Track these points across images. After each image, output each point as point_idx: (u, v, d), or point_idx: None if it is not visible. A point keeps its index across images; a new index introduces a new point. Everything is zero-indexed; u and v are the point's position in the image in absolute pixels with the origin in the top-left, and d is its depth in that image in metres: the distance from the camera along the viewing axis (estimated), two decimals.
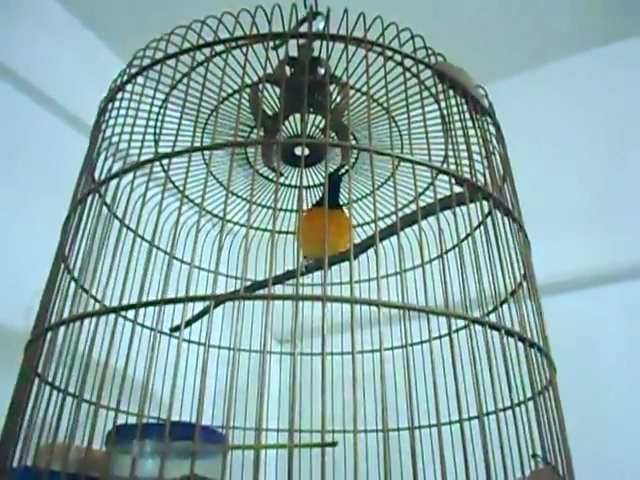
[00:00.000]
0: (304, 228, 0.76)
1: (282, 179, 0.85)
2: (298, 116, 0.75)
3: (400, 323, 0.45)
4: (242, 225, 0.88)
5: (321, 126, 0.76)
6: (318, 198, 0.88)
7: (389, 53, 0.59)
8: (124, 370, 0.44)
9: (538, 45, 1.28)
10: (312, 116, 0.75)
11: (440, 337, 0.58)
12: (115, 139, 0.62)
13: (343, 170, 0.81)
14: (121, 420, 0.45)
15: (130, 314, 0.45)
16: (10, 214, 1.00)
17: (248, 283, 0.77)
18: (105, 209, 0.59)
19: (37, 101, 1.11)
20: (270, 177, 0.83)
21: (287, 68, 0.71)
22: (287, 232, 0.91)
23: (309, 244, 0.76)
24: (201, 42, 0.59)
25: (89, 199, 0.57)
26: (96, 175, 0.60)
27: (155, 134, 0.68)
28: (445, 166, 0.54)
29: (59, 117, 1.14)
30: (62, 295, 0.53)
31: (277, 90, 0.74)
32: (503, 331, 0.47)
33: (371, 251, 0.73)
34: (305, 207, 0.88)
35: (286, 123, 0.76)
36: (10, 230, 0.99)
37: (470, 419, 0.45)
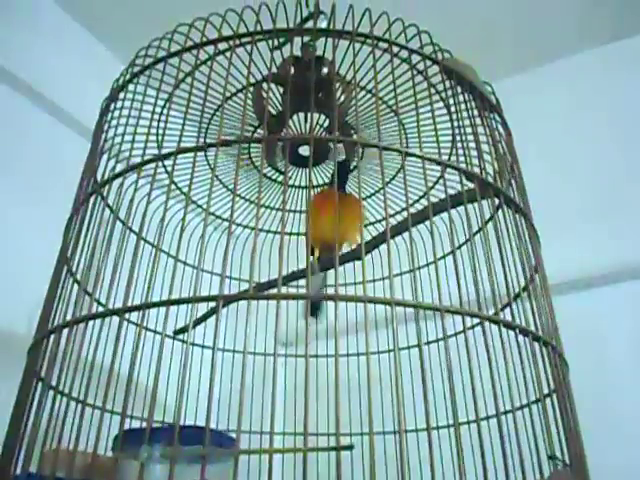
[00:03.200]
0: (314, 210, 0.74)
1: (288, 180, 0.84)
2: (302, 115, 0.74)
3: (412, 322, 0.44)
4: (250, 228, 0.87)
5: (325, 125, 0.75)
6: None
7: (395, 49, 0.58)
8: (129, 374, 0.43)
9: (544, 43, 1.27)
10: (316, 115, 0.74)
11: (455, 334, 0.57)
12: (118, 140, 0.61)
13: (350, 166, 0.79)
14: (127, 426, 0.44)
15: (135, 317, 0.44)
16: (11, 217, 0.99)
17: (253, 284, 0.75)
18: (107, 211, 0.58)
19: (36, 103, 1.10)
20: (274, 178, 0.82)
21: (291, 67, 0.70)
22: (292, 234, 0.89)
23: (319, 227, 0.73)
24: (204, 40, 0.58)
25: (91, 200, 0.56)
26: (99, 177, 0.59)
27: (158, 134, 0.67)
28: (453, 162, 0.53)
29: (59, 119, 1.13)
30: (65, 298, 0.52)
31: (280, 89, 0.73)
32: (517, 330, 0.46)
33: (382, 249, 0.72)
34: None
35: (290, 123, 0.75)
36: (10, 233, 0.98)
37: (488, 418, 0.45)
